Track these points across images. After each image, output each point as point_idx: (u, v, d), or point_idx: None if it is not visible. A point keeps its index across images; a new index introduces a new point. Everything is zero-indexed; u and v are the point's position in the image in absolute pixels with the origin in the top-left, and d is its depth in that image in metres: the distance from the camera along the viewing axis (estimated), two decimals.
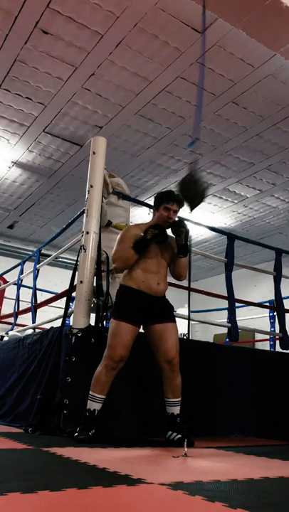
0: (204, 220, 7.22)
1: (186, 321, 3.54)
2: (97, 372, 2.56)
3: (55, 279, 7.39)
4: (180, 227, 2.69)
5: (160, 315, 2.68)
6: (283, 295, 4.57)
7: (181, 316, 3.49)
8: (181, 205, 2.77)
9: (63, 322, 3.22)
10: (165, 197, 2.75)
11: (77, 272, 3.19)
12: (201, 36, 3.83)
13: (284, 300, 4.60)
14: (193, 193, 2.71)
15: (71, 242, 3.98)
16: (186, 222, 2.87)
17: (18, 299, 5.75)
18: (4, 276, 6.69)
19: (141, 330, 2.71)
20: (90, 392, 2.54)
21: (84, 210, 3.35)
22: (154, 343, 2.67)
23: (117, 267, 2.74)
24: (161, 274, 2.73)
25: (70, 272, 3.40)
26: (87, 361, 2.80)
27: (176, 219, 2.76)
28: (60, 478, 1.52)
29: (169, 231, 2.72)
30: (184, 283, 3.30)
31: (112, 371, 2.55)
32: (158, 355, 2.66)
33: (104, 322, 3.11)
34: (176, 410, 2.63)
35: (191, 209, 2.68)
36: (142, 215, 6.40)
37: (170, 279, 2.87)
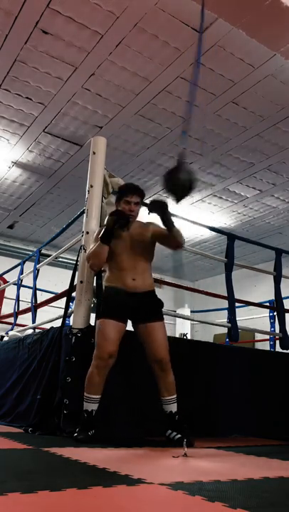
0: (204, 220, 7.22)
1: (187, 320, 3.54)
2: (89, 373, 2.57)
3: (55, 279, 7.38)
4: (153, 205, 2.59)
5: (145, 314, 2.68)
6: (283, 295, 4.57)
7: (181, 316, 3.49)
8: (141, 195, 2.78)
9: (63, 322, 3.22)
10: (123, 191, 2.79)
11: (77, 272, 3.19)
12: (199, 35, 3.83)
13: (284, 300, 4.59)
14: (179, 184, 2.59)
15: (71, 242, 3.98)
16: (184, 221, 2.87)
17: (18, 299, 5.75)
18: (4, 276, 6.69)
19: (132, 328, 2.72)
20: (85, 394, 2.54)
21: (84, 210, 3.35)
22: (142, 343, 2.68)
23: (91, 264, 2.77)
24: (138, 269, 2.71)
25: (70, 271, 3.40)
26: (87, 361, 2.79)
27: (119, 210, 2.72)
28: (60, 478, 1.52)
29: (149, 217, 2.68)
30: (184, 283, 3.30)
31: (104, 369, 2.55)
32: (147, 356, 2.67)
33: None
34: (174, 408, 2.63)
35: (178, 201, 2.55)
36: (141, 215, 6.39)
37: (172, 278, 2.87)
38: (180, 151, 2.50)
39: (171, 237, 2.70)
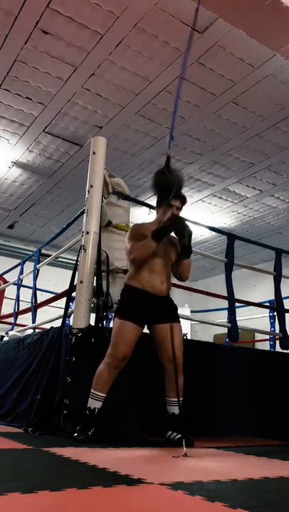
0: (204, 220, 7.22)
1: (187, 320, 3.54)
2: (99, 370, 2.56)
3: (55, 279, 7.39)
4: (183, 228, 2.66)
5: (165, 315, 2.68)
6: (283, 295, 4.57)
7: (181, 316, 3.49)
8: (184, 203, 2.80)
9: (63, 322, 3.22)
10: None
11: (77, 272, 3.19)
12: (202, 36, 3.82)
13: (284, 300, 4.60)
14: (167, 182, 2.66)
15: (71, 242, 3.98)
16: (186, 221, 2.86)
17: (18, 299, 5.75)
18: (4, 276, 6.69)
19: (145, 330, 2.71)
20: (92, 390, 2.54)
21: (84, 210, 3.34)
22: (158, 342, 2.67)
23: (134, 257, 2.68)
24: (166, 274, 2.74)
25: (70, 271, 3.40)
26: (87, 361, 2.80)
27: (179, 217, 2.76)
28: (60, 478, 1.52)
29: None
30: (184, 283, 3.30)
31: (115, 370, 2.55)
32: (162, 355, 2.66)
33: (105, 322, 3.11)
34: (176, 410, 2.62)
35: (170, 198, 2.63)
36: (142, 215, 6.40)
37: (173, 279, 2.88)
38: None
39: (184, 265, 2.77)
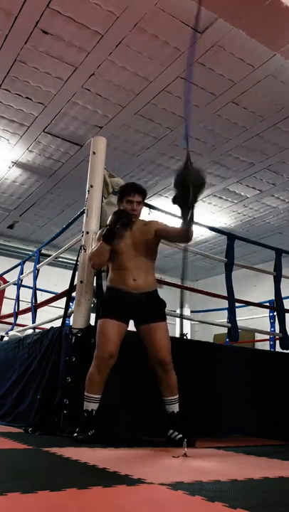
0: (204, 220, 7.22)
1: (186, 320, 3.54)
2: (90, 373, 2.57)
3: (55, 279, 7.38)
4: (181, 199, 2.46)
5: (147, 314, 2.67)
6: (283, 295, 4.57)
7: (181, 316, 3.48)
8: (143, 194, 2.78)
9: (63, 322, 3.22)
10: (125, 190, 2.79)
11: (77, 272, 3.19)
12: (202, 36, 3.82)
13: (284, 300, 4.59)
14: (190, 184, 2.50)
15: (71, 242, 3.98)
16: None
17: (18, 299, 5.75)
18: (4, 276, 6.69)
19: (134, 328, 2.71)
20: (86, 394, 2.54)
21: (84, 210, 3.35)
22: (144, 343, 2.68)
23: (92, 263, 2.84)
24: (140, 269, 2.69)
25: (70, 271, 3.40)
26: (87, 361, 2.79)
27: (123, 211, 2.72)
28: (60, 478, 1.52)
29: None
30: (184, 283, 3.29)
31: (104, 370, 2.55)
32: (149, 356, 2.66)
33: None
34: (176, 408, 2.63)
35: (190, 202, 2.52)
36: (141, 215, 6.39)
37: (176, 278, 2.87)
38: (186, 152, 2.43)
39: (183, 232, 2.63)
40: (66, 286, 3.43)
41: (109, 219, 2.68)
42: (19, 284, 5.64)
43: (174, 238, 2.81)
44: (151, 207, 3.73)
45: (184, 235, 2.67)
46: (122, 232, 2.68)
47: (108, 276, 2.80)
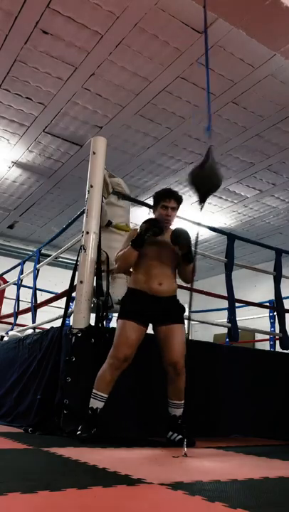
0: (204, 220, 7.22)
1: (187, 320, 3.54)
2: (102, 370, 2.56)
3: (55, 279, 7.38)
4: (178, 237, 2.64)
5: (166, 316, 2.67)
6: (283, 295, 4.57)
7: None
8: (179, 202, 2.78)
9: (63, 322, 3.22)
10: (162, 195, 2.77)
11: (77, 272, 3.19)
12: (202, 36, 3.82)
13: (284, 300, 4.60)
14: (206, 180, 2.56)
15: (71, 242, 3.98)
16: (185, 221, 2.86)
17: (18, 299, 5.75)
18: (4, 276, 6.69)
19: (150, 330, 2.71)
20: (94, 391, 2.54)
21: (84, 210, 3.35)
22: (160, 344, 2.67)
23: (118, 266, 2.77)
24: (165, 275, 2.70)
25: (70, 271, 3.40)
26: (87, 361, 2.80)
27: (176, 228, 2.73)
28: (60, 478, 1.52)
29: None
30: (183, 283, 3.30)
31: (117, 370, 2.55)
32: (163, 358, 2.65)
33: (104, 322, 3.11)
34: (178, 412, 2.63)
35: (203, 199, 2.56)
36: (142, 215, 6.39)
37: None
38: (207, 147, 2.43)
39: (185, 269, 2.77)
40: (66, 286, 3.43)
41: (141, 225, 2.65)
42: (19, 284, 5.64)
43: (180, 267, 2.81)
44: (151, 207, 3.72)
45: (187, 271, 2.78)
46: (152, 237, 2.67)
47: (131, 279, 2.77)
